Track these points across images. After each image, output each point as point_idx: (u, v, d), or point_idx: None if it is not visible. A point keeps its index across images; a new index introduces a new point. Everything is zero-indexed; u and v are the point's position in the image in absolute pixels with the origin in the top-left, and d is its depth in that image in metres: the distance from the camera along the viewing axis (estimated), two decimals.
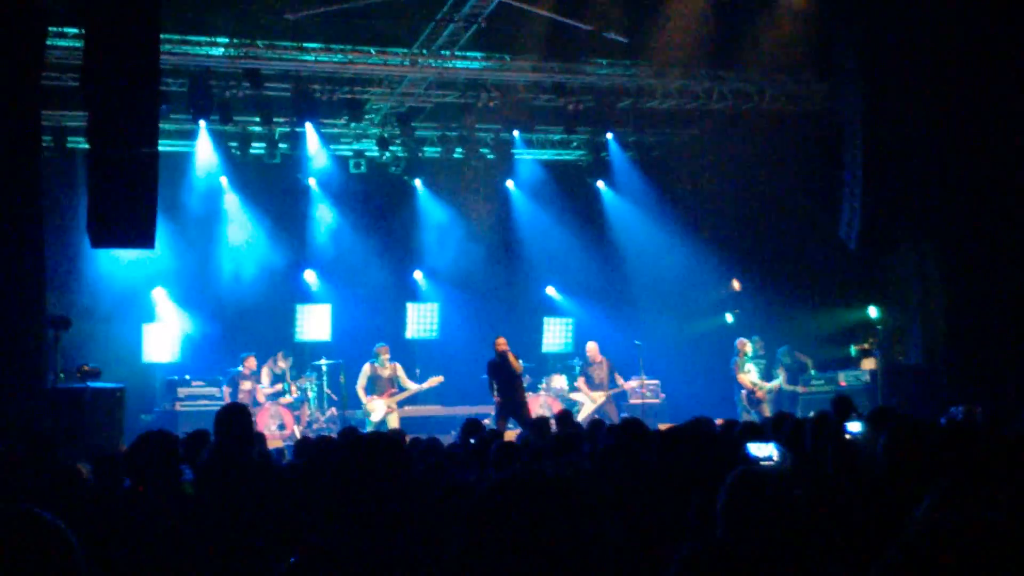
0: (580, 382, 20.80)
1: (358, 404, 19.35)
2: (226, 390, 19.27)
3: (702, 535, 4.05)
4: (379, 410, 18.94)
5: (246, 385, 19.28)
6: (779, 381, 20.19)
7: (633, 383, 21.00)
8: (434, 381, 19.65)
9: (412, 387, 19.48)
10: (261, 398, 19.30)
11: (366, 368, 19.24)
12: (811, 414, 11.81)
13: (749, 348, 20.24)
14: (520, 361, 17.66)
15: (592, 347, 20.80)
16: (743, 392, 19.89)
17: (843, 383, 19.42)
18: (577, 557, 2.39)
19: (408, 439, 10.43)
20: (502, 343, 17.34)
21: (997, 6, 16.81)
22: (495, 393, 17.23)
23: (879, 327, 20.76)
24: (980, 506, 3.15)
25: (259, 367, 19.81)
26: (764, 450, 6.24)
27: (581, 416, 20.04)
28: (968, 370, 17.87)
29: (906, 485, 4.93)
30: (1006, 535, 2.25)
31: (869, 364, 19.95)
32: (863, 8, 18.03)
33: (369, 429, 17.82)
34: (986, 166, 17.79)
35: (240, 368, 19.55)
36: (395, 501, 3.28)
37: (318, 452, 7.16)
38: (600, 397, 20.34)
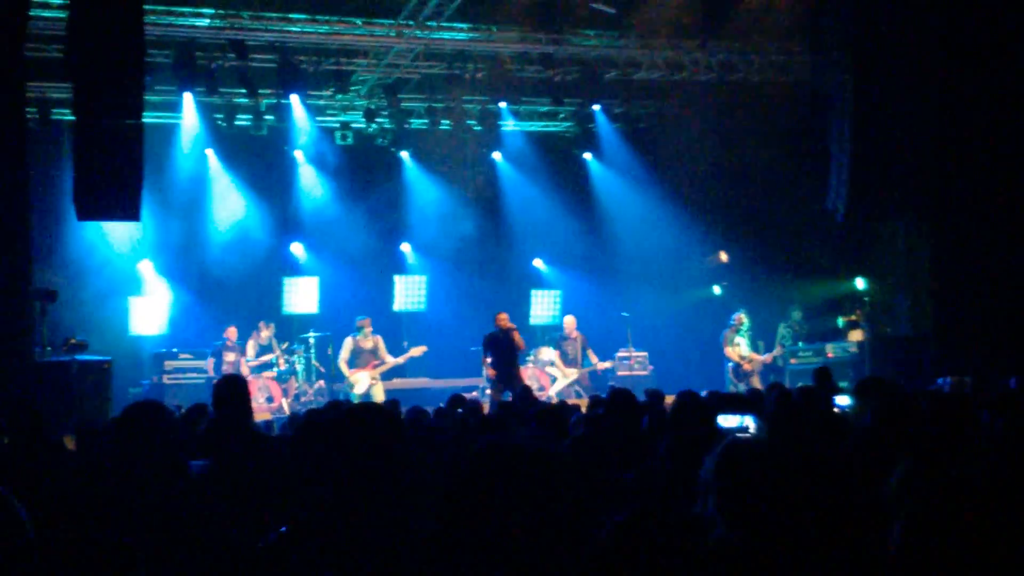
0: (555, 356, 20.68)
1: (343, 377, 19.30)
2: (210, 362, 19.24)
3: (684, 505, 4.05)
4: (363, 382, 18.87)
5: (230, 357, 19.22)
6: (773, 353, 20.11)
7: (621, 354, 21.03)
8: (417, 351, 19.46)
9: (391, 360, 19.31)
10: (245, 370, 19.07)
11: (348, 342, 19.13)
12: (798, 385, 11.86)
13: (744, 321, 20.03)
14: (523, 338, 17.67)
15: (569, 321, 20.70)
16: (730, 365, 19.79)
17: (830, 354, 19.42)
18: (553, 523, 2.38)
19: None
20: (505, 319, 17.28)
21: None
22: (488, 366, 17.19)
23: (866, 299, 20.80)
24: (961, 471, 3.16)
25: (243, 338, 19.76)
26: (735, 421, 6.22)
27: (553, 390, 19.97)
28: (955, 341, 17.90)
29: (893, 455, 4.94)
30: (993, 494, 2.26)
31: (856, 336, 19.96)
32: None
33: (355, 401, 17.78)
34: (974, 138, 17.79)
35: (224, 339, 19.51)
36: (387, 472, 3.27)
37: (308, 424, 7.16)
38: (573, 373, 20.27)
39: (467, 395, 14.57)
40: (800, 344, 20.33)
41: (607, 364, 20.64)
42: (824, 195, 18.56)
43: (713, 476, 3.61)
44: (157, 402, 6.20)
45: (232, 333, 19.53)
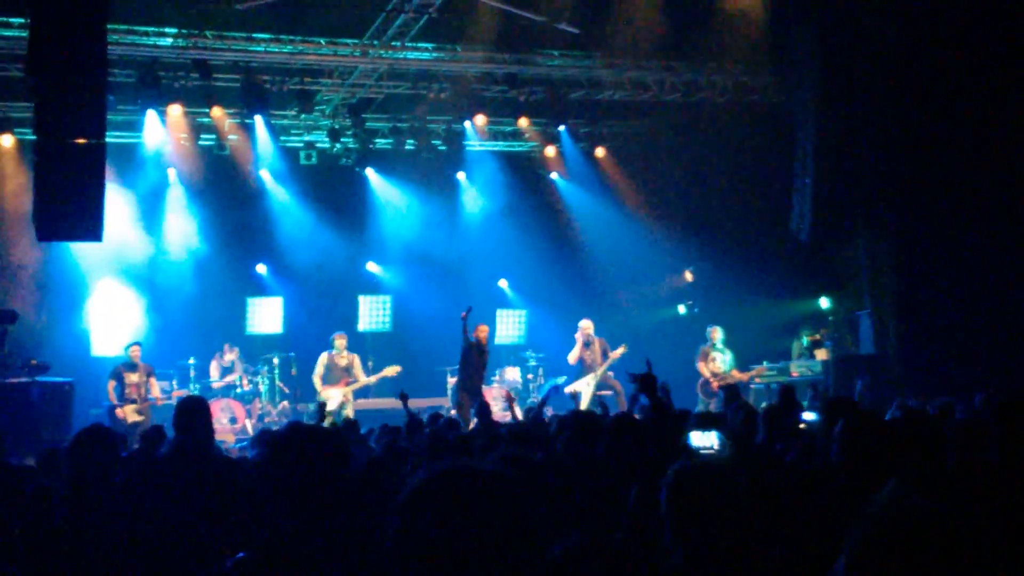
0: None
1: (310, 397, 19.10)
2: (111, 385, 17.42)
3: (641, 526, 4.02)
4: (335, 399, 18.62)
5: (132, 378, 17.46)
6: (751, 372, 19.84)
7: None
8: (392, 371, 19.14)
9: (364, 379, 19.07)
10: (156, 393, 17.75)
11: (323, 357, 18.73)
12: (763, 405, 11.84)
13: (719, 335, 19.74)
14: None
15: (587, 325, 19.52)
16: (699, 381, 19.32)
17: (795, 373, 19.43)
18: (508, 553, 2.32)
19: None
20: (484, 331, 17.32)
21: (953, 2, 16.88)
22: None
23: (830, 318, 20.87)
24: (934, 493, 3.15)
25: (204, 360, 19.55)
26: (706, 439, 6.24)
27: (583, 406, 18.93)
28: (918, 360, 17.98)
29: (860, 474, 4.94)
30: (958, 522, 2.25)
31: (821, 355, 19.98)
32: (819, 1, 18.09)
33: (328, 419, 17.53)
34: (938, 159, 17.90)
35: (127, 358, 17.73)
36: (335, 493, 3.23)
37: (265, 446, 7.09)
38: (592, 379, 18.95)
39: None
40: (765, 363, 20.31)
41: (620, 351, 18.95)
42: (788, 215, 18.65)
43: (664, 504, 3.56)
44: (104, 427, 6.14)
45: (135, 352, 17.74)
